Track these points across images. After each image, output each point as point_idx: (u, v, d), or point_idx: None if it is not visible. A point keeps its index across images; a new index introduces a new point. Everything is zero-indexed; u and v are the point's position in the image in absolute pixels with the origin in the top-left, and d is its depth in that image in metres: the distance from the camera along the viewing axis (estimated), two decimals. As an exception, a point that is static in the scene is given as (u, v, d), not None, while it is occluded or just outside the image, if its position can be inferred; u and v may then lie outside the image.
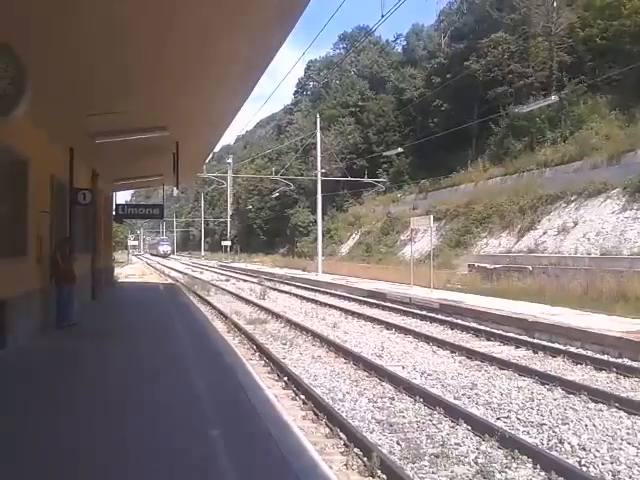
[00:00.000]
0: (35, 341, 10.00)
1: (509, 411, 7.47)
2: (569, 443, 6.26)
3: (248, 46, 7.25)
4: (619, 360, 10.46)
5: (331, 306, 19.91)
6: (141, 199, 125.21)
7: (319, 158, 37.27)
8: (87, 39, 6.77)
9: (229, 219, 71.91)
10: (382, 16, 12.85)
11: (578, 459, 5.88)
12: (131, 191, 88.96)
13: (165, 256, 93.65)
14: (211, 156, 31.62)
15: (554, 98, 23.94)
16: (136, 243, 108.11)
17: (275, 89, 49.88)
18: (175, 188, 18.24)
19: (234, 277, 38.79)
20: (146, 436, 5.18)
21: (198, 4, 5.91)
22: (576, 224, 24.61)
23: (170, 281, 32.66)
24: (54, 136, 11.72)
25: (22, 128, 8.30)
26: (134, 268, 48.93)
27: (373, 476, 5.39)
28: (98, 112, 9.71)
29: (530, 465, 5.65)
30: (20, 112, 5.72)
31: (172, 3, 5.97)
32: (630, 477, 5.47)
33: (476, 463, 5.74)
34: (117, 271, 33.10)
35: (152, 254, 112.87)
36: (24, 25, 6.11)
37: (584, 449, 6.11)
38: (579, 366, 10.21)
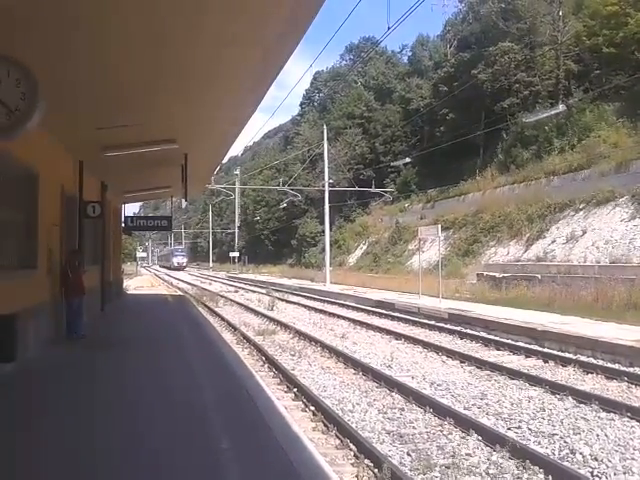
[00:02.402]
0: (45, 353, 10.04)
1: (520, 421, 7.43)
2: (581, 453, 6.22)
3: (257, 56, 7.26)
4: (630, 369, 10.38)
5: (339, 316, 19.88)
6: (149, 211, 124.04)
7: (326, 168, 37.35)
8: (96, 53, 6.85)
9: (237, 230, 71.94)
10: (388, 28, 12.95)
11: (590, 469, 5.84)
12: (139, 203, 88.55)
13: (179, 268, 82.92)
14: (219, 167, 31.72)
15: (561, 107, 24.04)
16: (145, 255, 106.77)
17: (283, 100, 50.05)
18: (184, 200, 18.28)
19: (242, 288, 38.82)
20: (156, 445, 5.20)
21: (206, 14, 5.96)
22: (585, 232, 24.52)
23: (179, 293, 32.71)
24: (64, 149, 11.85)
25: (32, 142, 8.38)
26: (143, 280, 49.12)
27: (384, 487, 5.36)
28: (107, 125, 9.79)
29: (542, 476, 5.61)
30: (32, 127, 5.77)
31: (179, 14, 6.01)
32: (643, 488, 5.43)
33: (487, 474, 5.71)
34: (126, 283, 33.24)
35: (163, 266, 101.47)
36: (34, 39, 6.20)
37: (596, 459, 6.06)
38: (590, 375, 10.14)
